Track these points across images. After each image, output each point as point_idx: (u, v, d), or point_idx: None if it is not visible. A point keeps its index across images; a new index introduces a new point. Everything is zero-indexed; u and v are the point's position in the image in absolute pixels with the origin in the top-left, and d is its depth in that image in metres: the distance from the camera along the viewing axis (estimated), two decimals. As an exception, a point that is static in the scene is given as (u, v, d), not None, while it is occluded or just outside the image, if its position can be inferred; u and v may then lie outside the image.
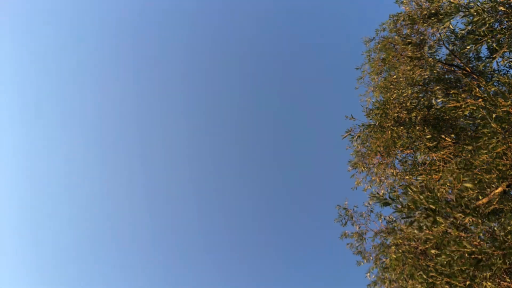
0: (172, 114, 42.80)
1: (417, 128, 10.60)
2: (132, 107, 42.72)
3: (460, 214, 7.29)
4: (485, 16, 8.44)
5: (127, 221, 40.59)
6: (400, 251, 10.60)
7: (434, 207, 7.34)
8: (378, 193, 8.65)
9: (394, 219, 13.11)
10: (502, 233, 7.01)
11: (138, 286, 36.25)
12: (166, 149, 42.71)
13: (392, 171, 13.22)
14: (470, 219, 7.90)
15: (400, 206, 7.90)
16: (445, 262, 7.24)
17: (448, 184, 8.63)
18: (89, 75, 41.84)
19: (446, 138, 11.23)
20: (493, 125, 7.79)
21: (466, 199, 8.11)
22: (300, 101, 42.11)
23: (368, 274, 12.92)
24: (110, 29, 41.65)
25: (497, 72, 11.36)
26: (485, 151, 8.63)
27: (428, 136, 10.44)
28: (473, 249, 7.11)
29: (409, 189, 7.74)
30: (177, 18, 41.86)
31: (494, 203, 9.10)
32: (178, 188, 42.05)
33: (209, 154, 42.03)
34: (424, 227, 7.89)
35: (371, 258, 12.61)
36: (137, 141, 42.75)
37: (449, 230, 7.79)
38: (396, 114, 10.93)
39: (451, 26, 10.05)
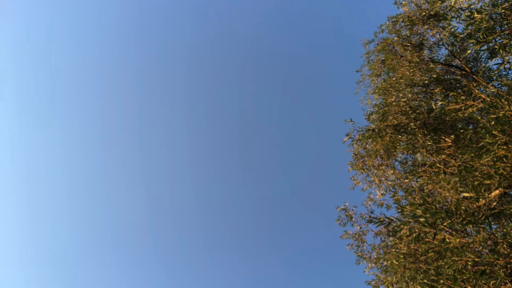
0: (173, 114, 42.57)
1: (418, 136, 10.54)
2: (132, 107, 42.44)
3: (460, 225, 7.26)
4: (485, 21, 8.33)
5: (128, 221, 40.59)
6: (401, 255, 10.61)
7: (433, 220, 7.30)
8: (374, 217, 8.61)
9: (394, 219, 13.13)
10: (504, 243, 6.98)
11: (138, 286, 36.38)
12: (167, 149, 42.57)
13: (392, 172, 13.20)
14: (470, 226, 7.89)
15: (399, 223, 7.87)
16: (449, 273, 7.23)
17: (447, 194, 8.59)
18: (88, 75, 41.43)
19: (446, 139, 11.18)
20: (495, 132, 7.71)
21: (463, 207, 8.07)
22: (300, 102, 41.99)
23: (367, 270, 13.01)
24: (110, 29, 41.14)
25: (496, 75, 11.29)
26: (486, 156, 8.57)
27: (429, 143, 10.39)
28: (476, 259, 7.09)
29: (405, 208, 7.70)
30: (177, 19, 41.39)
31: (493, 205, 9.09)
32: (180, 188, 42.02)
33: (211, 156, 41.94)
34: (424, 237, 7.87)
35: (371, 260, 12.66)
36: (138, 141, 42.55)
37: (449, 236, 7.78)
38: (396, 122, 10.87)
39: (452, 30, 9.94)
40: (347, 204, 13.48)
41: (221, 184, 41.67)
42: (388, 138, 10.95)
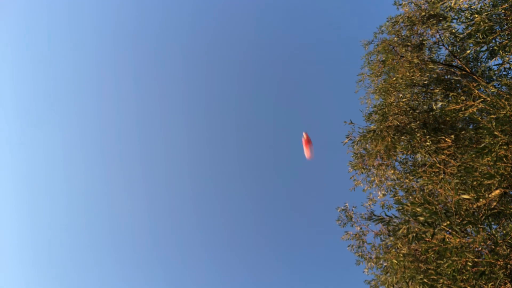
0: (171, 114, 42.60)
1: (418, 135, 10.55)
2: (131, 108, 42.48)
3: (459, 225, 7.28)
4: (484, 22, 8.34)
5: (126, 221, 40.65)
6: (401, 254, 10.63)
7: (432, 220, 7.33)
8: (375, 214, 8.64)
9: (394, 218, 13.15)
10: (504, 243, 6.99)
11: (136, 286, 36.44)
12: (165, 150, 42.62)
13: (392, 172, 13.21)
14: (470, 227, 7.91)
15: (398, 223, 7.91)
16: (448, 272, 7.25)
17: (448, 193, 8.60)
18: (87, 76, 41.48)
19: (446, 139, 11.19)
20: (496, 132, 7.72)
21: (464, 207, 8.09)
22: (299, 103, 41.95)
23: (367, 270, 13.03)
24: (109, 29, 41.17)
25: (497, 75, 11.30)
26: (487, 156, 8.57)
27: (428, 143, 10.41)
28: (475, 259, 7.10)
29: (405, 206, 7.72)
30: (175, 18, 41.41)
31: (493, 205, 9.10)
32: (178, 188, 42.06)
33: (209, 156, 41.95)
34: (424, 237, 7.89)
35: (371, 260, 12.68)
36: (136, 141, 42.61)
37: (448, 236, 7.80)
38: (397, 122, 10.87)
39: (453, 30, 9.97)
40: (347, 204, 13.51)
41: (220, 185, 41.67)
42: (389, 139, 10.96)
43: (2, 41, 37.66)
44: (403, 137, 11.00)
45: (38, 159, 41.59)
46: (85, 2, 38.91)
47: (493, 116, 8.40)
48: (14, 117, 40.48)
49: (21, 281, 37.61)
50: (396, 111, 11.43)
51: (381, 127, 11.08)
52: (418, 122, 11.02)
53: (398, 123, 11.08)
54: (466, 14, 8.88)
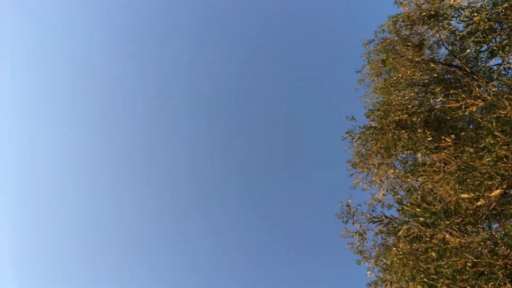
0: (170, 114, 42.63)
1: (419, 131, 10.54)
2: (131, 107, 42.52)
3: (459, 226, 7.28)
4: (483, 21, 8.32)
5: (124, 221, 40.75)
6: (401, 253, 10.64)
7: (432, 220, 7.33)
8: (375, 216, 8.64)
9: (394, 219, 13.14)
10: (503, 244, 6.99)
11: (136, 286, 36.56)
12: (166, 149, 42.67)
13: (392, 171, 13.20)
14: (470, 227, 7.91)
15: (397, 223, 7.90)
16: (448, 272, 7.25)
17: (447, 193, 8.60)
18: (86, 75, 41.53)
19: (447, 139, 11.19)
20: (496, 133, 7.71)
21: (464, 206, 8.09)
22: (300, 101, 41.95)
23: (369, 272, 12.96)
24: (109, 29, 41.16)
25: (497, 74, 11.28)
26: (487, 156, 8.56)
27: (429, 139, 10.38)
28: (475, 260, 7.10)
29: (405, 206, 7.71)
30: (174, 17, 41.39)
31: (493, 205, 9.10)
32: (177, 187, 42.11)
33: (210, 153, 41.98)
34: (424, 237, 7.90)
35: (372, 259, 12.66)
36: (136, 140, 42.66)
37: (448, 236, 7.80)
38: (397, 118, 10.86)
39: (453, 29, 9.94)
40: (349, 201, 13.37)
41: (222, 183, 41.75)
42: (390, 135, 10.93)
43: (2, 41, 37.67)
44: (403, 131, 10.95)
45: (38, 159, 41.67)
46: (85, 2, 38.90)
47: (493, 115, 8.38)
48: (14, 117, 40.55)
49: (20, 281, 37.75)
50: (397, 108, 11.41)
51: (383, 122, 11.05)
52: (419, 119, 11.01)
53: (399, 118, 11.06)
54: (466, 13, 8.85)
